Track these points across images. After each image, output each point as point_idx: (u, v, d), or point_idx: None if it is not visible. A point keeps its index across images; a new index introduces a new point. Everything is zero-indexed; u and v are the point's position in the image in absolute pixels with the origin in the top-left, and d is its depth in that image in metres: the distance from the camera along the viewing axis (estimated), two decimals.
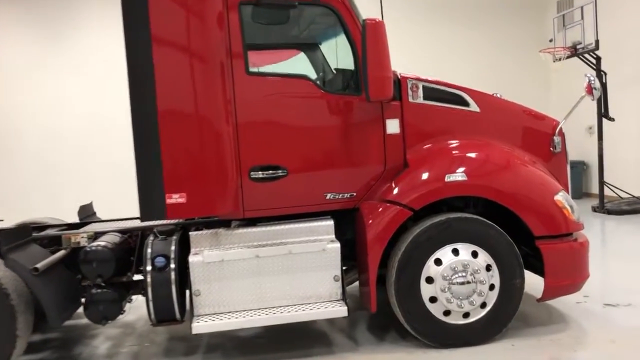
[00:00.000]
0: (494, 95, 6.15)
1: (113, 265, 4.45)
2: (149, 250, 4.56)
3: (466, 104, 5.00)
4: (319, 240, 4.61)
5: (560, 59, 12.12)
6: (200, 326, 4.36)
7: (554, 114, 5.44)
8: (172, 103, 4.35)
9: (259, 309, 4.54)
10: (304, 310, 4.50)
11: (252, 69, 4.60)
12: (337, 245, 4.58)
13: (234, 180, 4.52)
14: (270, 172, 4.59)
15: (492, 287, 4.66)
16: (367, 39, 4.20)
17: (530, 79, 14.24)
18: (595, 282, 5.31)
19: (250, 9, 4.53)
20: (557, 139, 5.21)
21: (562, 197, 4.82)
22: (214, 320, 4.40)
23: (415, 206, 4.61)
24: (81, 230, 5.03)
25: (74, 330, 5.74)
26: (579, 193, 13.17)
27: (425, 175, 4.72)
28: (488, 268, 4.64)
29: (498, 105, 5.21)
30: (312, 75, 5.44)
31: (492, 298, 4.66)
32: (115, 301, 4.49)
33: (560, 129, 5.25)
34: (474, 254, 4.63)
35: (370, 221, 4.60)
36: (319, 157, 4.72)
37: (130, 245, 4.87)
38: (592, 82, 5.06)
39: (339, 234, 4.70)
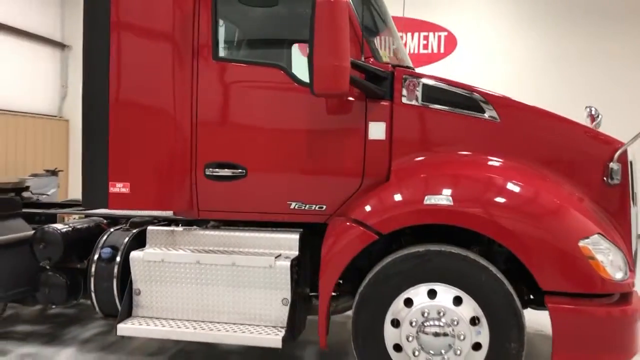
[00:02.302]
0: (588, 109, 4.93)
1: (61, 249, 4.30)
2: (102, 240, 4.34)
3: (481, 110, 3.93)
4: (270, 255, 3.98)
5: None
6: (125, 328, 3.99)
7: None
8: (125, 87, 4.05)
9: (200, 321, 4.07)
10: (242, 332, 3.91)
11: (222, 55, 4.12)
12: (287, 263, 3.89)
13: (185, 175, 4.09)
14: (227, 170, 4.07)
15: (477, 346, 3.60)
16: (316, 19, 3.45)
17: None
18: None
19: None
20: (614, 166, 3.86)
21: (591, 244, 3.55)
22: (141, 325, 4.02)
23: (383, 230, 3.71)
24: (72, 210, 5.00)
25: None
26: None
27: (401, 194, 3.79)
28: (474, 321, 3.60)
29: (529, 116, 4.01)
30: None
31: None
32: (61, 286, 4.35)
33: (623, 154, 3.90)
34: (457, 301, 3.62)
35: (329, 241, 3.83)
36: (284, 158, 4.05)
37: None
38: None
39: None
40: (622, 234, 3.94)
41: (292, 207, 4.06)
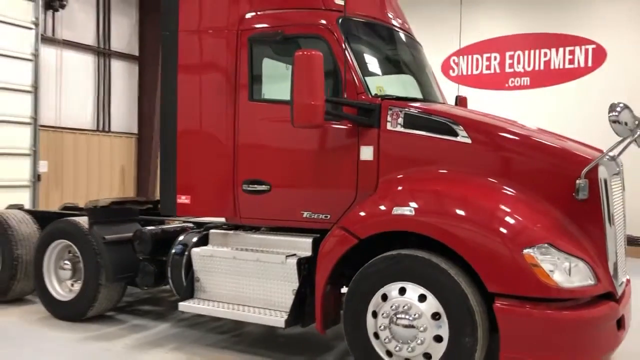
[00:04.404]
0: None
1: (150, 245, 5.75)
2: (179, 239, 5.71)
3: (454, 133, 4.50)
4: (283, 254, 4.96)
5: None
6: (184, 305, 5.27)
7: None
8: (188, 123, 5.42)
9: (236, 304, 5.17)
10: (259, 314, 4.94)
11: (255, 97, 5.23)
12: (294, 261, 4.84)
13: (230, 189, 5.27)
14: (257, 186, 5.17)
15: (438, 338, 4.18)
16: (295, 68, 4.39)
17: None
18: None
19: (261, 44, 5.19)
20: (581, 182, 4.14)
21: (537, 253, 3.93)
22: (195, 304, 5.27)
23: (360, 235, 4.48)
24: (176, 218, 6.46)
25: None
26: None
27: (376, 205, 4.53)
28: (435, 316, 4.19)
29: (498, 137, 4.47)
30: None
31: (438, 351, 4.17)
32: (150, 273, 5.78)
33: (592, 172, 4.16)
34: (422, 298, 4.25)
35: (323, 244, 4.70)
36: (297, 176, 5.03)
37: None
38: None
39: None
40: (597, 247, 4.21)
41: (304, 215, 5.01)
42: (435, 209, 4.30)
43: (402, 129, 4.65)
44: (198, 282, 5.40)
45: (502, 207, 4.21)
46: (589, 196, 4.15)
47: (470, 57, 14.78)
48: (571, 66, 13.70)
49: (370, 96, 4.78)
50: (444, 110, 4.74)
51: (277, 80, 5.23)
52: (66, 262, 6.30)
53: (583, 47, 13.58)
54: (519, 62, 14.21)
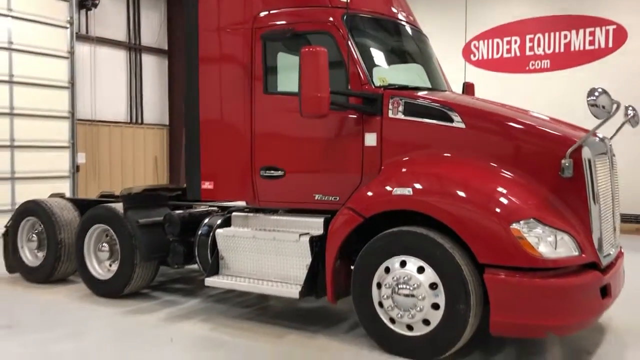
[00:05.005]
0: (627, 107, 5.56)
1: (178, 228, 6.30)
2: (205, 221, 6.25)
3: (450, 119, 4.90)
4: (297, 233, 5.44)
5: None
6: (209, 280, 5.82)
7: None
8: (210, 114, 5.93)
9: (257, 278, 5.69)
10: (276, 286, 5.46)
11: (269, 90, 5.69)
12: (307, 239, 5.31)
13: (248, 175, 5.77)
14: (272, 171, 5.65)
15: (436, 306, 4.62)
16: (302, 64, 4.83)
17: None
18: None
19: (274, 40, 5.65)
20: (566, 162, 4.51)
21: (523, 227, 4.33)
22: (219, 279, 5.81)
23: (365, 214, 4.94)
24: (202, 203, 6.99)
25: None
26: None
27: (379, 187, 4.96)
28: (433, 286, 4.63)
29: (489, 122, 4.86)
30: None
31: (436, 317, 4.62)
32: (180, 253, 6.34)
33: (577, 152, 4.52)
34: (420, 270, 4.69)
35: (333, 222, 5.17)
36: (309, 162, 5.49)
37: None
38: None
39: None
40: (582, 221, 4.58)
41: (316, 198, 5.47)
42: (432, 189, 4.73)
43: (402, 117, 5.07)
44: (222, 259, 5.93)
45: (493, 186, 4.61)
46: (573, 175, 4.53)
47: (490, 41, 14.96)
48: (591, 47, 13.78)
49: (373, 87, 5.20)
50: (440, 98, 5.14)
51: (289, 74, 5.66)
52: (104, 244, 6.92)
53: (603, 28, 13.64)
54: (539, 45, 14.33)
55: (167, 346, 5.20)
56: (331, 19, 5.35)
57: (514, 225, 4.34)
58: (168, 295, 7.03)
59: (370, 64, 5.35)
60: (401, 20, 5.99)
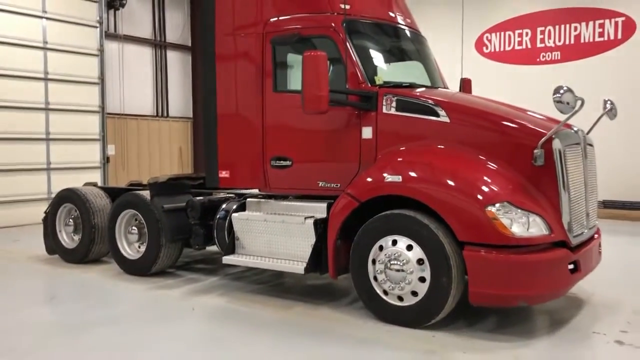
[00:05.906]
0: (606, 101, 6.12)
1: (199, 212, 7.01)
2: (223, 206, 6.96)
3: (436, 114, 5.51)
4: (303, 216, 6.10)
5: None
6: (226, 258, 6.53)
7: None
8: (226, 109, 6.62)
9: (268, 257, 6.37)
10: (285, 264, 6.14)
11: (278, 88, 6.35)
12: (311, 221, 5.97)
13: (260, 165, 6.45)
14: (281, 161, 6.32)
15: (422, 279, 5.23)
16: (304, 66, 5.47)
17: None
18: None
19: (282, 44, 6.29)
20: (537, 152, 5.09)
21: (498, 209, 4.92)
22: (234, 257, 6.51)
23: (361, 198, 5.57)
24: (221, 190, 7.70)
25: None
26: None
27: (373, 175, 5.59)
28: (420, 262, 5.25)
29: (470, 116, 5.45)
30: None
31: (423, 289, 5.23)
32: (200, 235, 7.05)
33: (547, 143, 5.09)
34: (409, 247, 5.31)
35: (333, 206, 5.82)
36: (313, 153, 6.15)
37: None
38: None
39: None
40: (553, 205, 5.16)
41: (320, 185, 6.13)
42: (419, 176, 5.35)
43: (395, 112, 5.69)
44: (238, 240, 6.63)
45: (472, 173, 5.22)
46: (545, 164, 5.11)
47: (502, 33, 15.38)
48: (601, 39, 14.12)
49: (369, 85, 5.82)
50: (428, 95, 5.73)
51: (295, 74, 6.31)
52: (133, 227, 7.68)
53: (612, 20, 13.97)
54: (549, 37, 14.72)
55: (189, 314, 5.94)
56: (332, 24, 5.97)
57: (489, 208, 4.94)
58: (191, 273, 7.78)
59: (368, 64, 5.97)
60: (398, 23, 6.58)
